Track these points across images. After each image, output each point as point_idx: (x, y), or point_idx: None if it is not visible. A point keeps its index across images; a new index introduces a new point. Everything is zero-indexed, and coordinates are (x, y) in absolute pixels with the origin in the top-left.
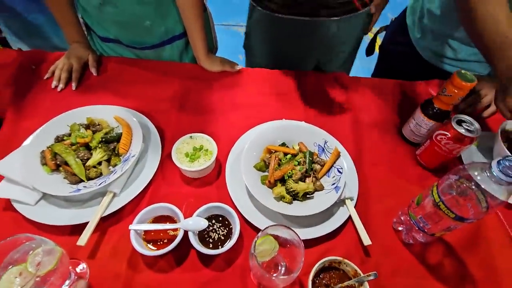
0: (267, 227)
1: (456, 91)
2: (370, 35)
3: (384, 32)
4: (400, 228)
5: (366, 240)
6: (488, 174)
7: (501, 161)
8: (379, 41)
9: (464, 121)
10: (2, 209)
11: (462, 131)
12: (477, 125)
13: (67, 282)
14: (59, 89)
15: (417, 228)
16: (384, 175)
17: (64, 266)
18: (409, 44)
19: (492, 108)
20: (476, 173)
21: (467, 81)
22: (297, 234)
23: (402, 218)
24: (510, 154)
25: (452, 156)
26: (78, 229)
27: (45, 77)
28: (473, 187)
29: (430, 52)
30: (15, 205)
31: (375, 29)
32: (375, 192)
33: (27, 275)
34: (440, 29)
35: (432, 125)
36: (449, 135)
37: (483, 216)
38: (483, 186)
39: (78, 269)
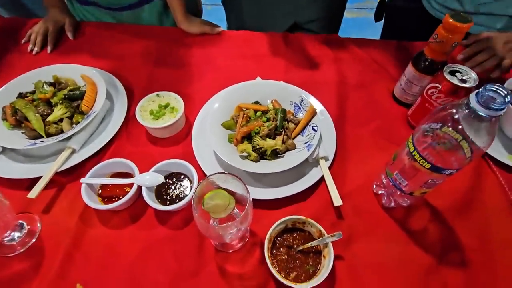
0: (210, 175)
1: (450, 35)
2: None
3: None
4: (380, 192)
5: (337, 200)
6: (467, 110)
7: (480, 92)
8: None
9: (458, 71)
10: None
11: (455, 81)
12: (473, 74)
13: (17, 234)
14: (34, 52)
15: (395, 188)
16: (368, 137)
17: (5, 215)
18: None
19: (506, 65)
20: (454, 111)
21: (461, 21)
22: (242, 181)
23: (384, 181)
24: None
25: None
26: (36, 183)
27: (22, 41)
28: (450, 129)
29: (437, 5)
30: None
31: None
32: (356, 154)
33: None
34: None
35: (424, 80)
36: (441, 88)
37: (465, 164)
38: (460, 127)
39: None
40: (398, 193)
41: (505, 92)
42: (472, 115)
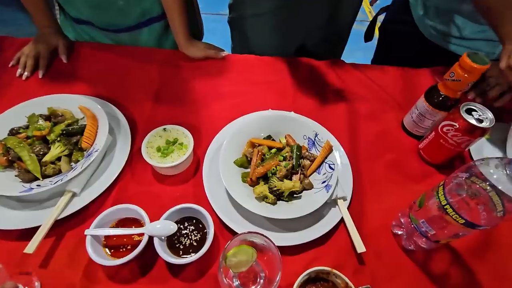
0: (235, 236)
1: (466, 75)
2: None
3: (384, 14)
4: (399, 232)
5: (360, 247)
6: (505, 171)
7: None
8: (379, 24)
9: (474, 110)
10: None
11: (472, 121)
12: (490, 114)
13: None
14: (24, 77)
15: (418, 233)
16: (382, 172)
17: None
18: (411, 23)
19: (507, 96)
20: (491, 171)
21: (479, 63)
22: (271, 240)
23: (402, 220)
24: None
25: (460, 150)
26: (32, 233)
27: (10, 65)
28: (487, 187)
29: (434, 30)
30: None
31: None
32: (371, 191)
33: None
34: (444, 4)
35: (438, 115)
36: (457, 126)
37: (498, 222)
38: (499, 187)
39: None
40: (423, 239)
41: None
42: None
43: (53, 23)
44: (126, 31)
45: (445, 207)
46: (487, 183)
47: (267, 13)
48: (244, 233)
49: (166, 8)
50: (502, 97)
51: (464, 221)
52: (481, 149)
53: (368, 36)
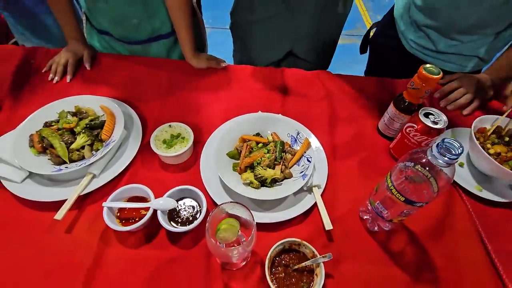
0: (222, 203)
1: (423, 84)
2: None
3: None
4: (365, 217)
5: (328, 225)
6: (430, 156)
7: (439, 143)
8: None
9: (431, 114)
10: None
11: (428, 123)
12: (444, 117)
13: None
14: (54, 81)
15: (377, 215)
16: (356, 167)
17: None
18: (396, 37)
19: (474, 104)
20: (423, 155)
21: (432, 74)
22: (249, 210)
23: (369, 207)
24: (483, 150)
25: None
26: (60, 205)
27: (43, 70)
28: (421, 167)
29: (414, 43)
30: (3, 182)
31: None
32: (344, 182)
33: None
34: (421, 20)
35: (404, 119)
36: (417, 127)
37: (433, 198)
38: (427, 168)
39: None
40: (380, 219)
41: (458, 146)
42: (434, 161)
43: (80, 36)
44: (138, 43)
45: (390, 188)
46: (419, 166)
47: (260, 20)
48: (226, 202)
49: (176, 25)
50: (470, 105)
51: (404, 198)
52: None
53: (362, 49)
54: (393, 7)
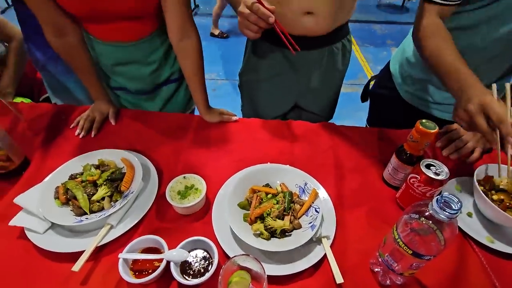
0: (234, 256)
1: (420, 137)
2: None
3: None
4: (376, 269)
5: (339, 278)
6: (431, 210)
7: (438, 198)
8: None
9: (433, 165)
10: (16, 238)
11: (430, 174)
12: (445, 168)
13: None
14: (81, 136)
15: (387, 268)
16: (364, 217)
17: None
18: (394, 89)
19: (476, 153)
20: (426, 209)
21: (428, 128)
22: (260, 263)
23: (379, 259)
24: (486, 198)
25: (427, 198)
26: (77, 256)
27: (71, 126)
28: (424, 221)
29: (411, 95)
30: (27, 233)
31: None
32: (353, 233)
33: None
34: (416, 74)
35: (407, 169)
36: (420, 178)
37: (440, 251)
38: (431, 221)
39: None
40: (392, 272)
41: (457, 201)
42: (435, 215)
43: (104, 96)
44: (145, 94)
45: (397, 240)
46: (424, 219)
47: (266, 78)
48: (238, 255)
49: (191, 88)
50: (472, 155)
51: (411, 251)
52: None
53: (363, 98)
54: (387, 63)
